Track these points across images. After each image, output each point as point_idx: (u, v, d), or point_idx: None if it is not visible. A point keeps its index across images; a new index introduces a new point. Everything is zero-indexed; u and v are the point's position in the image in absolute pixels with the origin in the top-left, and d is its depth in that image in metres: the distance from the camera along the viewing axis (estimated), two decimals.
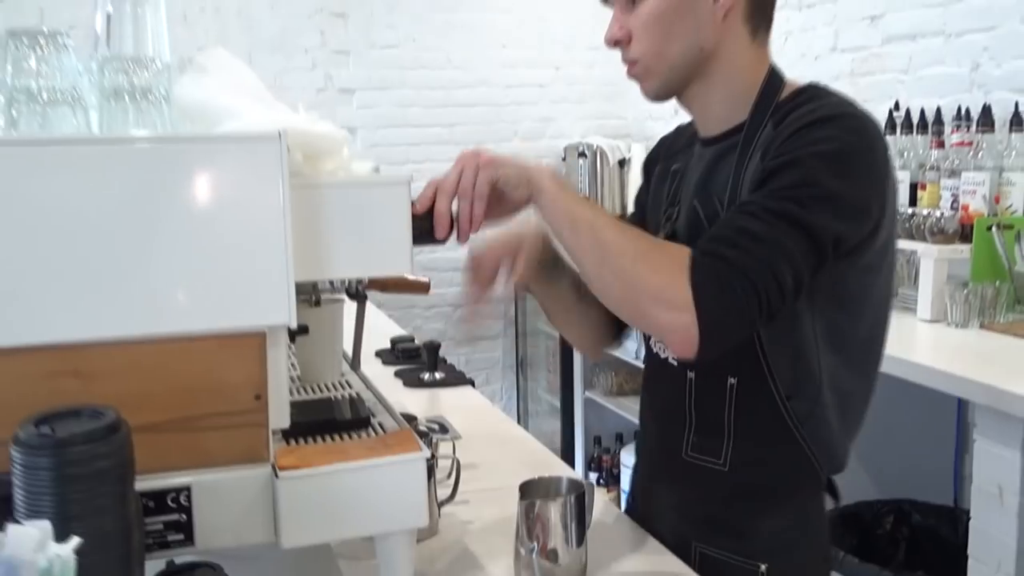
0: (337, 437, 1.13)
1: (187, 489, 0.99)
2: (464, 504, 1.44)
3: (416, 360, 2.38)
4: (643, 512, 1.41)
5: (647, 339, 1.36)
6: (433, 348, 2.28)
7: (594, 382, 4.01)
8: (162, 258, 0.94)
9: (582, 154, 4.38)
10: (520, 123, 4.55)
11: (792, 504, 1.25)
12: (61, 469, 0.81)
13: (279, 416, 1.03)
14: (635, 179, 4.29)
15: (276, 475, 1.00)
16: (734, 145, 1.20)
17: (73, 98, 0.97)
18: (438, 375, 2.25)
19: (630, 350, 3.57)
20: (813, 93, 1.19)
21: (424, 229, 1.11)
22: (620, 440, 4.05)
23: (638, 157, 4.26)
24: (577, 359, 4.03)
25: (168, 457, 0.98)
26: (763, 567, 1.21)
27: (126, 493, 0.87)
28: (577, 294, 1.37)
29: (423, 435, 1.36)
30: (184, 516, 1.00)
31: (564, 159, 4.55)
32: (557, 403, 4.24)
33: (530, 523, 1.17)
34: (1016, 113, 2.47)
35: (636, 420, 3.75)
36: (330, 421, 1.15)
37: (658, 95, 1.24)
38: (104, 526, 0.84)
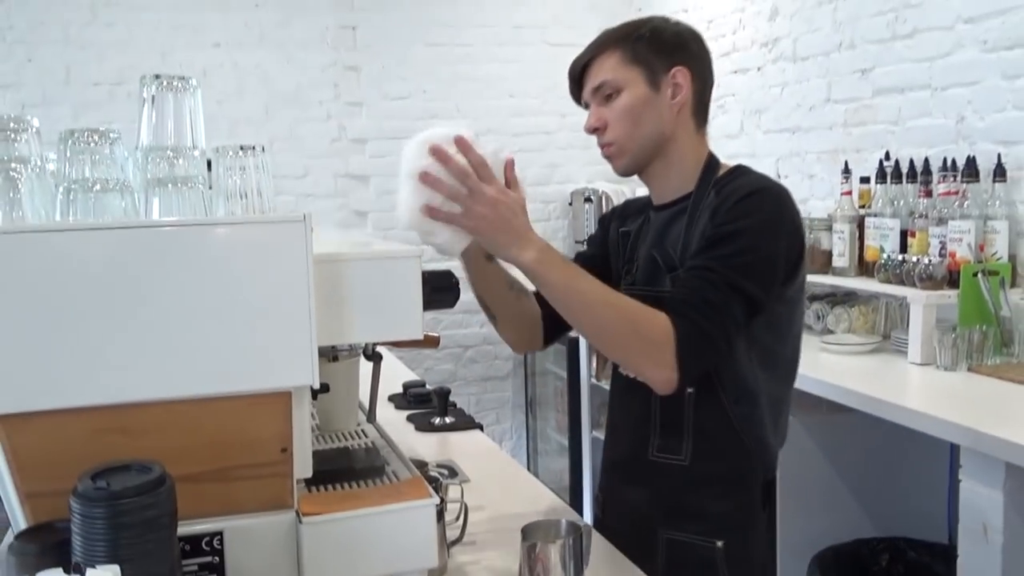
0: (354, 484, 1.24)
1: (220, 534, 1.11)
2: (472, 545, 1.54)
3: (427, 404, 2.49)
4: (612, 516, 1.67)
5: (615, 367, 1.63)
6: (443, 394, 2.39)
7: (601, 421, 4.09)
8: (199, 326, 1.05)
9: (588, 199, 4.50)
10: (528, 169, 4.69)
11: (739, 489, 1.52)
12: (115, 518, 0.93)
13: (303, 467, 1.14)
14: None
15: (300, 520, 1.11)
16: (683, 210, 1.52)
17: (121, 186, 1.09)
18: (448, 419, 2.35)
19: None
20: (742, 171, 1.53)
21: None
22: None
23: None
24: (584, 399, 4.12)
25: (203, 505, 1.10)
26: (719, 543, 1.49)
27: (169, 539, 0.99)
28: (509, 294, 1.67)
29: (433, 480, 1.47)
30: (217, 558, 1.11)
31: (571, 204, 4.68)
32: (566, 442, 4.33)
33: (532, 563, 1.27)
34: (999, 164, 2.58)
35: None
36: (348, 469, 1.26)
37: (627, 171, 1.56)
38: (150, 568, 0.95)
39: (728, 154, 3.90)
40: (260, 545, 1.12)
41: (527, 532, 1.31)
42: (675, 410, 1.50)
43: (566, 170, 4.72)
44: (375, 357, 1.40)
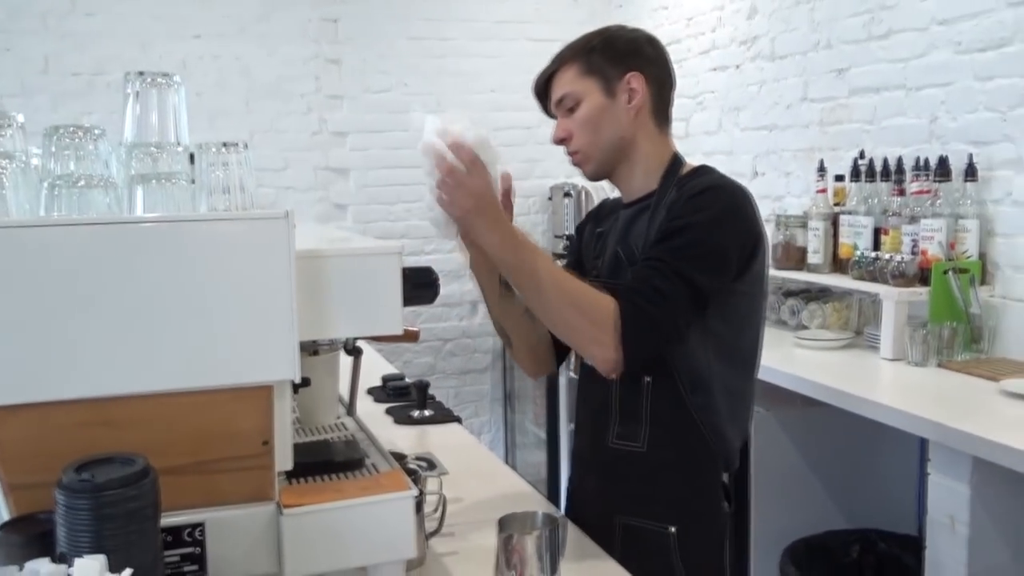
0: (335, 477, 1.26)
1: (201, 525, 1.12)
2: (450, 536, 1.56)
3: (406, 397, 2.52)
4: (578, 504, 1.73)
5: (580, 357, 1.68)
6: (422, 387, 2.41)
7: None
8: (182, 321, 1.07)
9: (567, 194, 4.53)
10: (508, 164, 4.67)
11: (695, 477, 1.58)
12: (99, 510, 0.94)
13: (284, 459, 1.16)
14: None
15: (281, 512, 1.13)
16: (647, 207, 1.60)
17: (105, 182, 1.11)
18: (427, 412, 2.38)
19: None
20: (704, 171, 1.61)
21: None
22: None
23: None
24: (562, 392, 4.15)
25: (185, 497, 1.11)
26: (672, 529, 1.55)
27: (152, 530, 1.00)
28: (521, 315, 1.70)
29: (412, 473, 1.49)
30: (198, 549, 1.13)
31: (551, 199, 4.70)
32: (543, 435, 4.36)
33: (508, 554, 1.30)
34: (970, 164, 2.62)
35: None
36: (328, 462, 1.28)
37: (594, 176, 1.65)
38: (133, 559, 0.96)
39: (706, 150, 3.96)
40: (241, 536, 1.14)
41: (503, 523, 1.34)
42: (633, 398, 1.58)
43: (546, 165, 4.74)
44: (355, 351, 1.42)
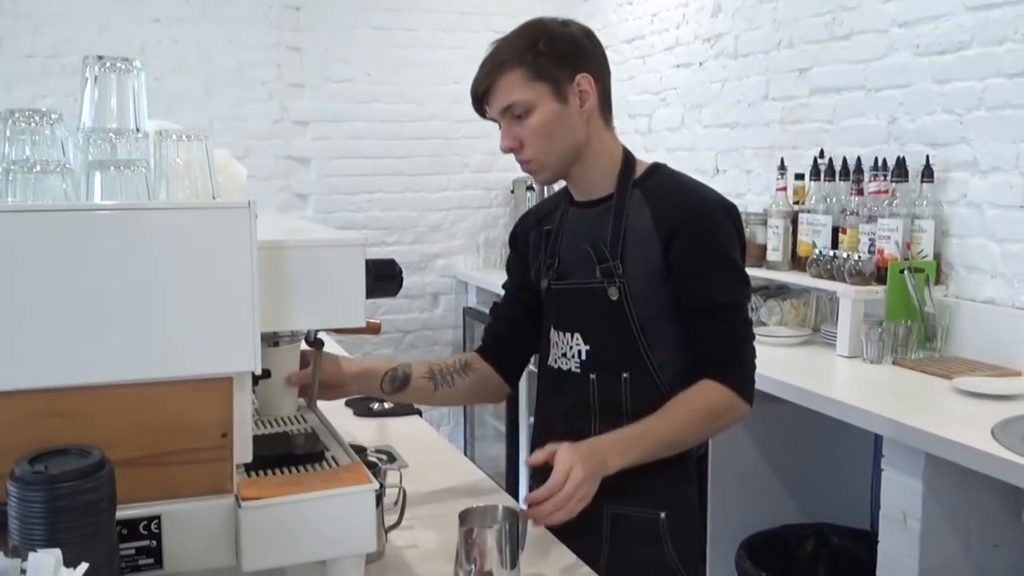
0: (294, 469, 1.25)
1: (157, 518, 1.11)
2: (409, 529, 1.56)
3: None
4: None
5: (543, 358, 1.73)
6: None
7: None
8: (141, 311, 1.05)
9: (530, 187, 4.53)
10: (471, 156, 4.70)
11: (676, 463, 1.60)
12: (52, 502, 0.93)
13: (243, 452, 1.15)
14: None
15: (239, 505, 1.12)
16: (608, 209, 1.60)
17: (62, 168, 1.08)
18: (386, 405, 2.36)
19: None
20: (662, 172, 1.63)
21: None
22: None
23: None
24: (523, 386, 4.15)
25: (142, 489, 1.09)
26: (662, 515, 1.59)
27: (107, 523, 0.99)
28: (433, 392, 1.76)
29: (372, 466, 1.48)
30: (154, 542, 1.11)
31: (512, 192, 4.70)
32: (503, 428, 4.36)
33: (468, 548, 1.30)
34: (927, 165, 2.66)
35: None
36: (288, 455, 1.27)
37: (550, 182, 1.65)
38: (88, 553, 0.95)
39: (668, 146, 3.99)
40: (198, 529, 1.13)
41: (464, 517, 1.33)
42: (613, 395, 1.60)
43: (508, 158, 4.71)
44: (317, 343, 1.41)
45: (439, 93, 4.58)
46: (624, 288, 1.58)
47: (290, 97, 4.40)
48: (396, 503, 1.56)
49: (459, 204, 4.73)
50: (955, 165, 2.66)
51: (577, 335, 1.64)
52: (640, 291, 1.57)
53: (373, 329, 1.58)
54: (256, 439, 1.21)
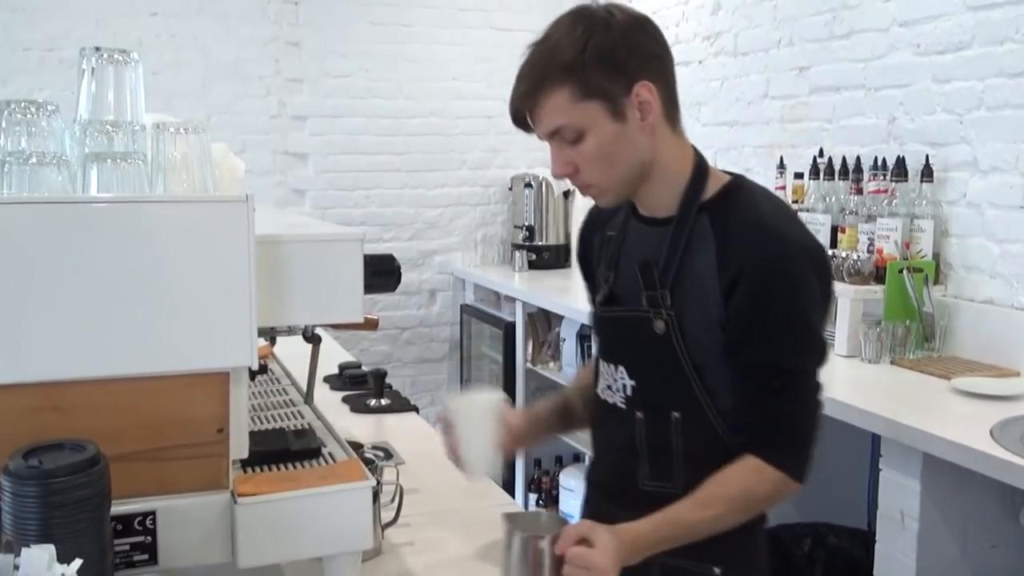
0: (291, 466, 1.24)
1: (152, 514, 1.10)
2: (406, 527, 1.55)
3: (363, 386, 2.49)
4: None
5: (594, 385, 1.53)
6: (379, 376, 2.39)
7: (536, 405, 4.10)
8: (137, 304, 1.04)
9: (528, 184, 4.52)
10: (468, 153, 4.68)
11: None
12: (46, 497, 0.92)
13: (239, 447, 1.14)
14: (579, 210, 4.44)
15: (235, 501, 1.11)
16: (665, 232, 1.38)
17: (58, 160, 1.07)
18: (384, 401, 2.36)
19: (570, 375, 3.71)
20: (741, 196, 1.36)
21: None
22: (560, 463, 4.17)
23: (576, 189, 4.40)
24: (519, 383, 4.15)
25: (137, 484, 1.09)
26: (717, 570, 1.39)
27: (102, 519, 0.98)
28: (563, 429, 1.65)
29: (369, 462, 1.48)
30: (149, 538, 1.10)
31: (511, 188, 4.69)
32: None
33: (526, 555, 1.23)
34: (927, 165, 2.66)
35: (575, 445, 3.84)
36: (284, 451, 1.26)
37: (616, 204, 1.43)
38: (82, 548, 0.94)
39: None
40: (194, 525, 1.12)
41: (512, 522, 1.28)
42: (662, 436, 1.40)
43: (507, 155, 4.72)
44: (314, 339, 1.40)
45: (437, 89, 4.56)
46: (672, 323, 1.36)
47: (288, 92, 4.38)
48: (393, 500, 1.55)
49: (457, 201, 4.72)
50: (955, 165, 2.65)
51: (622, 368, 1.44)
52: (693, 333, 1.35)
53: (371, 325, 1.57)
54: (252, 435, 1.21)
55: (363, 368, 2.61)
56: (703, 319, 1.34)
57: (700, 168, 1.39)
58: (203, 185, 1.18)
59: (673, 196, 1.38)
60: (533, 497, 4.13)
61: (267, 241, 1.11)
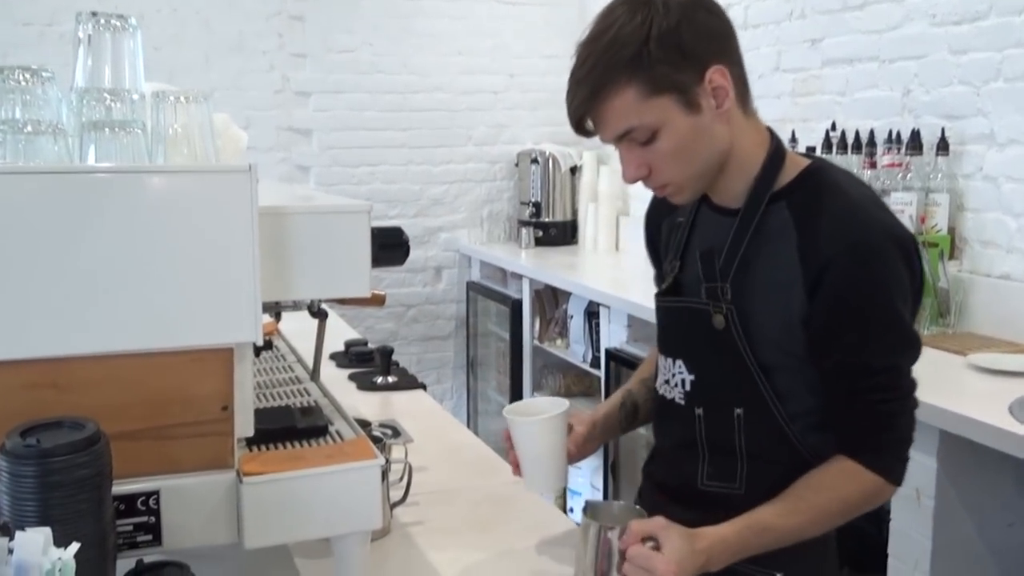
0: (297, 444, 1.21)
1: (156, 493, 1.07)
2: (415, 505, 1.52)
3: (369, 363, 2.47)
4: None
5: (652, 379, 1.48)
6: (386, 353, 2.37)
7: (543, 384, 4.10)
8: (138, 278, 1.01)
9: (535, 160, 4.47)
10: (474, 129, 4.64)
11: None
12: (45, 477, 0.89)
13: (244, 425, 1.11)
14: (586, 185, 4.40)
15: (241, 480, 1.08)
16: (733, 221, 1.30)
17: (55, 129, 1.04)
18: (391, 379, 2.33)
19: (578, 353, 3.68)
20: (823, 180, 1.26)
21: None
22: None
23: (589, 164, 4.36)
24: (526, 361, 4.13)
25: (139, 463, 1.06)
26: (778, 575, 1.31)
27: (103, 499, 0.95)
28: (629, 427, 1.57)
29: (377, 440, 1.45)
30: (153, 518, 1.07)
31: (517, 165, 4.65)
32: (506, 403, 4.32)
33: (606, 548, 1.18)
34: (942, 138, 2.61)
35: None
36: (291, 429, 1.23)
37: (689, 201, 1.36)
38: (82, 529, 0.91)
39: None
40: (198, 505, 1.09)
41: (595, 513, 1.24)
42: (724, 434, 1.33)
43: (513, 131, 4.68)
44: (320, 314, 1.36)
45: (442, 64, 4.51)
46: (732, 318, 1.28)
47: (291, 67, 4.33)
48: (401, 479, 1.53)
49: (463, 177, 4.67)
50: (971, 138, 2.60)
51: (680, 362, 1.38)
52: (764, 332, 1.27)
53: (377, 301, 1.54)
54: (257, 412, 1.17)
55: (369, 345, 2.58)
56: (781, 318, 1.25)
57: (776, 153, 1.29)
58: (204, 156, 1.14)
59: (747, 183, 1.29)
60: None
61: (271, 213, 1.07)
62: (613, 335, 3.37)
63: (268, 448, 1.19)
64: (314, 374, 1.47)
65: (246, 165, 1.02)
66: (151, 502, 1.07)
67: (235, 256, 1.04)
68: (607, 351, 3.36)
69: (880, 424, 1.26)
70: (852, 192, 1.27)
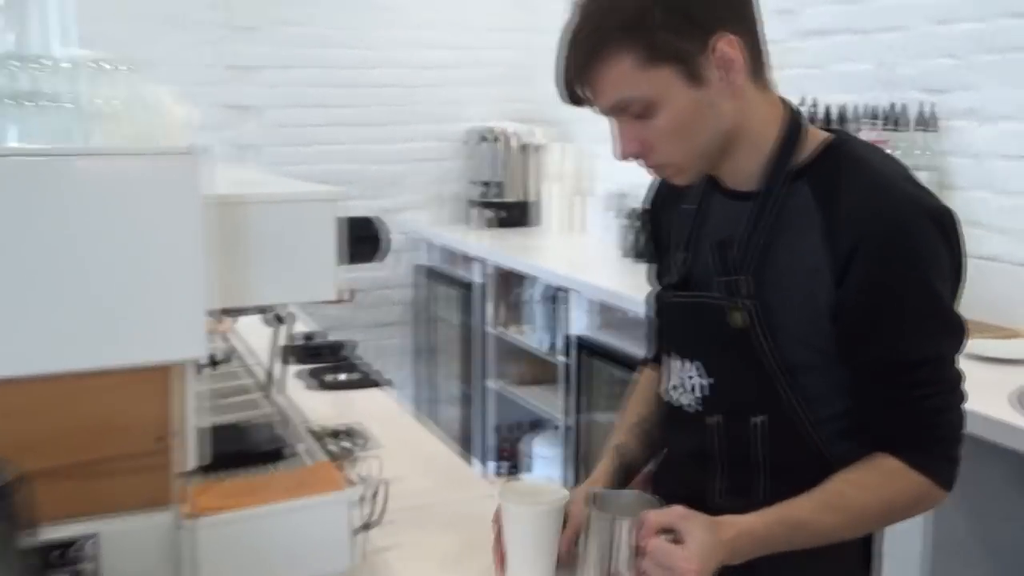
0: (255, 470, 1.05)
1: (93, 537, 0.91)
2: (390, 524, 1.35)
3: (326, 358, 2.29)
4: None
5: (658, 384, 1.35)
6: (345, 348, 2.20)
7: (500, 371, 3.97)
8: (58, 286, 0.84)
9: (484, 138, 4.31)
10: (429, 105, 4.45)
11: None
12: None
13: (190, 456, 0.94)
14: (543, 164, 4.25)
15: (190, 519, 0.92)
16: (749, 206, 1.18)
17: None
18: (349, 376, 2.16)
19: (539, 339, 3.55)
20: (849, 154, 1.15)
21: None
22: (524, 429, 4.02)
23: (546, 143, 4.22)
24: (482, 348, 3.98)
25: (70, 504, 0.90)
26: None
27: (17, 552, 0.78)
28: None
29: (345, 454, 1.28)
30: (92, 566, 0.91)
31: (470, 143, 4.48)
32: (462, 391, 4.19)
33: (607, 545, 1.05)
34: (927, 113, 2.51)
35: (545, 408, 3.71)
36: (247, 453, 1.06)
37: (693, 182, 1.23)
38: None
39: None
40: (139, 549, 0.93)
41: (605, 504, 1.10)
42: (742, 446, 1.20)
43: (466, 108, 4.50)
44: (282, 320, 1.19)
45: (394, 38, 4.32)
46: (756, 315, 1.15)
47: (237, 41, 4.11)
48: (374, 495, 1.36)
49: (415, 157, 4.49)
50: (957, 113, 2.50)
51: (696, 365, 1.24)
52: (788, 329, 1.14)
53: (345, 298, 1.36)
54: (208, 432, 1.00)
55: (327, 338, 2.40)
56: (806, 311, 1.13)
57: (793, 128, 1.16)
58: (143, 134, 0.97)
59: (760, 164, 1.16)
60: (492, 466, 3.98)
61: (222, 203, 0.90)
62: (578, 321, 3.23)
63: (221, 476, 1.02)
64: (273, 387, 1.30)
65: (191, 145, 0.85)
66: (88, 547, 0.91)
67: (177, 255, 0.87)
68: (576, 339, 3.22)
69: (924, 422, 1.13)
70: (880, 166, 1.15)
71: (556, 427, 3.56)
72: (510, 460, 4.00)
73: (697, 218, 1.26)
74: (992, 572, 1.97)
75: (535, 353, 3.64)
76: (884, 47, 2.70)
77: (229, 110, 4.15)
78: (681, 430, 1.27)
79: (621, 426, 1.42)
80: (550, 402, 3.57)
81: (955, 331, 1.13)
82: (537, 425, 3.94)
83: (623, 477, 1.35)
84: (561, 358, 3.37)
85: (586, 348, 3.17)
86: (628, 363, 2.93)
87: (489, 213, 4.32)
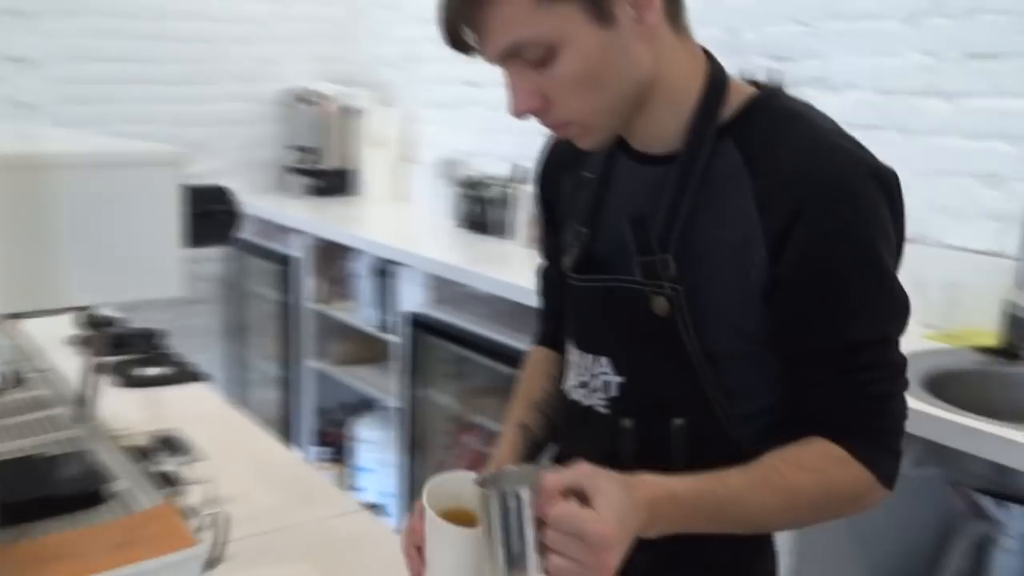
0: (66, 520, 0.79)
1: None
2: (234, 561, 1.11)
3: (129, 349, 1.97)
4: None
5: (552, 399, 1.21)
6: (154, 336, 1.90)
7: (321, 351, 3.72)
8: None
9: (306, 100, 4.02)
10: (238, 62, 4.08)
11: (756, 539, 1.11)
12: None
13: None
14: (368, 129, 4.00)
15: None
16: (669, 171, 1.03)
17: None
18: (161, 370, 1.87)
19: (366, 316, 3.32)
20: (779, 110, 1.03)
21: None
22: (352, 411, 3.80)
23: (368, 106, 3.96)
24: (302, 325, 3.72)
25: None
26: None
27: None
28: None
29: (177, 485, 1.03)
30: None
31: (286, 105, 4.16)
32: (277, 372, 3.91)
33: (509, 521, 0.84)
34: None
35: (371, 390, 3.53)
36: (51, 499, 0.80)
37: (602, 144, 1.06)
38: None
39: None
40: None
41: (491, 483, 0.87)
42: (658, 452, 1.06)
43: (281, 67, 4.16)
44: (99, 324, 0.92)
45: None
46: (679, 301, 1.01)
47: None
48: (211, 525, 1.12)
49: (223, 119, 4.12)
50: (804, 80, 2.45)
51: (605, 360, 1.10)
52: (715, 313, 1.01)
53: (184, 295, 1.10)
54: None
55: (131, 324, 2.08)
56: (736, 291, 0.99)
57: (717, 80, 1.03)
58: None
59: (679, 122, 1.01)
60: (315, 451, 3.75)
61: (13, 167, 0.64)
62: (411, 297, 3.02)
63: (21, 530, 0.76)
64: (87, 412, 1.02)
65: None
66: None
67: None
68: (411, 316, 3.01)
69: (870, 409, 1.01)
70: (817, 119, 1.03)
71: (385, 409, 3.36)
72: (333, 445, 3.77)
73: (600, 187, 1.10)
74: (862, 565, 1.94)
75: (362, 331, 3.41)
76: (731, 11, 2.63)
77: (5, 62, 3.64)
78: (588, 434, 1.12)
79: (522, 403, 1.25)
80: (378, 383, 3.36)
81: (902, 310, 1.01)
82: (363, 407, 3.72)
83: (533, 458, 1.19)
84: (392, 336, 3.15)
85: (420, 325, 2.97)
86: (466, 341, 2.77)
87: (306, 181, 4.03)
